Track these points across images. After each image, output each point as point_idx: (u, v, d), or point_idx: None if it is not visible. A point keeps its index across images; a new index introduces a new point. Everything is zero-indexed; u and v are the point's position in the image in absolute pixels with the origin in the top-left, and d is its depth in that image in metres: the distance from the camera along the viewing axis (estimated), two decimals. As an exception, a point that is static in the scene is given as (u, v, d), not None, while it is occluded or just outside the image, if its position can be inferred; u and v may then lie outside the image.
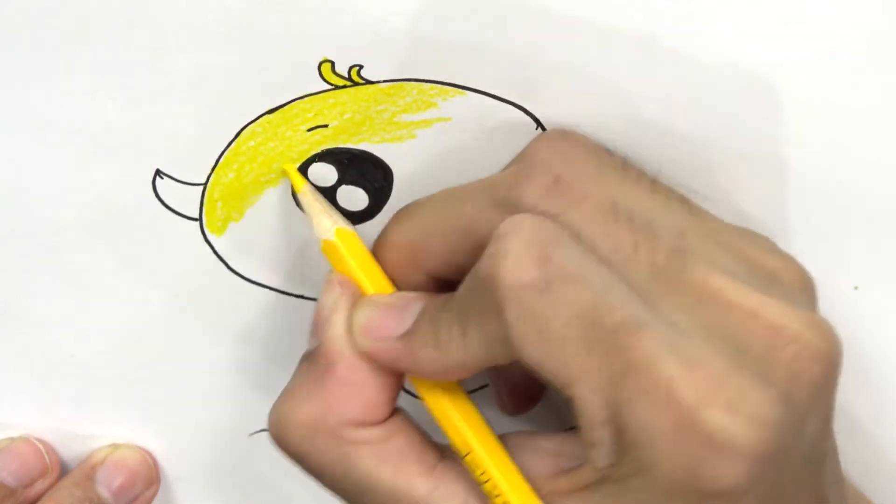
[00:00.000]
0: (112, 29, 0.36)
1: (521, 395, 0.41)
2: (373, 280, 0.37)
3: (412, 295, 0.36)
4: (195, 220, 0.39)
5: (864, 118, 0.38)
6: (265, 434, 0.43)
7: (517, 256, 0.32)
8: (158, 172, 0.38)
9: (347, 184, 0.39)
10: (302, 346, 0.41)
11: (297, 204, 0.39)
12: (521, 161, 0.36)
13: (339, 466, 0.35)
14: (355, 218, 0.39)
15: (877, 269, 0.40)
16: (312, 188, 0.38)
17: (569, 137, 0.36)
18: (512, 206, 0.34)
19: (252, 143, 0.38)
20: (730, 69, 0.37)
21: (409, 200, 0.39)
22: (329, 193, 0.39)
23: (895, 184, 0.39)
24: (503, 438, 0.35)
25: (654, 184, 0.36)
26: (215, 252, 0.40)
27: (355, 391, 0.35)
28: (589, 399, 0.32)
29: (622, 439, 0.31)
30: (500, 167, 0.38)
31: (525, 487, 0.34)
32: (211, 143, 0.38)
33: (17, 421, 0.42)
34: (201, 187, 0.39)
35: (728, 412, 0.31)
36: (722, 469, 0.31)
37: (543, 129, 0.38)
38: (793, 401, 0.32)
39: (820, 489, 0.34)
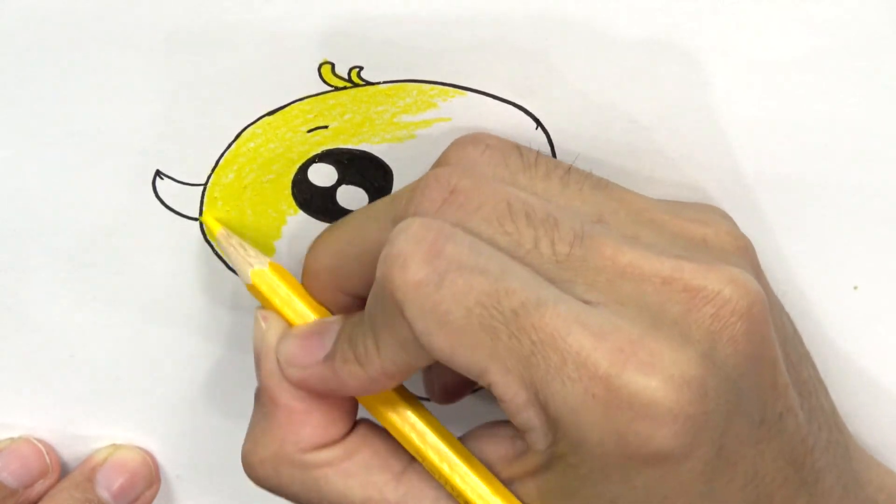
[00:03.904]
0: (112, 30, 0.36)
1: (451, 384, 0.41)
2: (297, 311, 0.37)
3: (331, 319, 0.36)
4: (195, 220, 0.39)
5: (863, 118, 0.38)
6: (265, 434, 0.43)
7: (407, 255, 0.32)
8: (158, 173, 0.38)
9: (347, 184, 0.39)
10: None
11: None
12: (426, 174, 0.36)
13: (312, 492, 0.36)
14: (355, 218, 0.39)
15: (876, 270, 0.40)
16: (228, 233, 0.39)
17: (478, 142, 0.36)
18: None
19: (252, 144, 0.38)
20: (729, 69, 0.37)
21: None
22: (329, 193, 0.39)
23: (894, 184, 0.39)
24: (466, 433, 0.36)
25: (565, 176, 0.36)
26: (215, 252, 0.40)
27: (303, 417, 0.36)
28: (504, 383, 0.32)
29: (549, 418, 0.32)
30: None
31: (481, 485, 0.34)
32: (211, 145, 0.38)
33: (18, 421, 0.42)
34: (201, 188, 0.39)
35: (644, 374, 0.31)
36: (648, 431, 0.31)
37: (544, 129, 0.38)
38: (716, 359, 0.32)
39: (790, 451, 0.34)
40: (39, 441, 0.42)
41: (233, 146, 0.38)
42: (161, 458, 0.43)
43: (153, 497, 0.43)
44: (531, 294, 0.32)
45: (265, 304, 0.38)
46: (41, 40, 0.36)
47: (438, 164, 0.37)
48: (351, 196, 0.39)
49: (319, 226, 0.39)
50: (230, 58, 0.37)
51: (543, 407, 0.32)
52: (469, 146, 0.36)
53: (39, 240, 0.39)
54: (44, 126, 0.38)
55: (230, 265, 0.39)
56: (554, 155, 0.39)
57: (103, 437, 0.43)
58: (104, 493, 0.42)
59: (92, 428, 0.43)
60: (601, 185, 0.36)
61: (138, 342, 0.41)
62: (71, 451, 0.43)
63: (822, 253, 0.40)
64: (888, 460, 0.42)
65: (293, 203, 0.39)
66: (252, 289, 0.38)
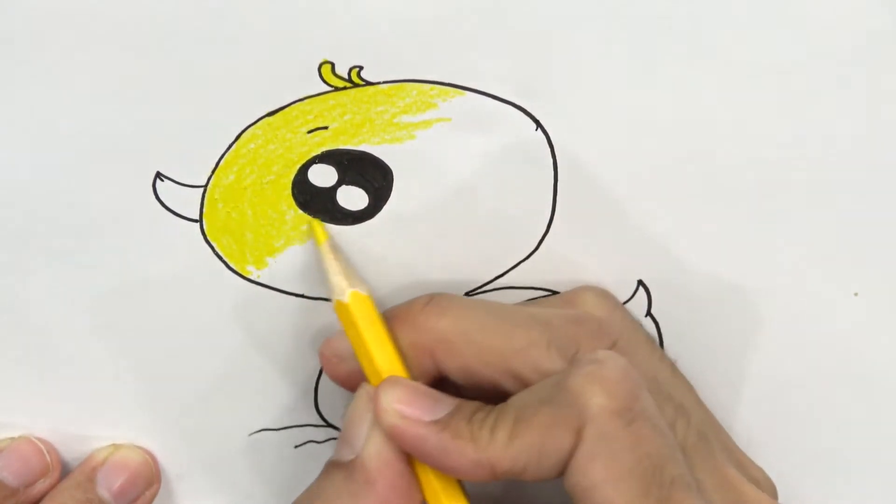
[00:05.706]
0: (111, 31, 0.36)
1: None
2: (384, 354, 0.37)
3: (438, 392, 0.36)
4: (195, 221, 0.39)
5: (864, 124, 0.38)
6: (264, 434, 0.43)
7: (615, 384, 0.34)
8: (159, 175, 0.38)
9: (348, 184, 0.39)
10: (301, 347, 0.41)
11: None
12: (576, 308, 0.38)
13: None
14: (355, 217, 0.39)
15: (876, 276, 0.40)
16: (334, 245, 0.39)
17: (611, 298, 0.40)
18: (570, 357, 0.36)
19: (252, 145, 0.38)
20: (729, 72, 0.37)
21: (408, 201, 0.39)
22: (329, 194, 0.39)
23: (894, 190, 0.39)
24: None
25: (673, 367, 0.40)
26: (216, 253, 0.40)
27: None
28: None
29: None
30: (499, 167, 0.39)
31: None
32: (211, 146, 0.38)
33: (18, 421, 0.42)
34: (202, 189, 0.39)
35: None
36: None
37: (543, 129, 0.38)
38: None
39: None
40: (40, 440, 0.42)
41: (233, 147, 0.38)
42: (161, 458, 0.43)
43: (153, 497, 0.43)
44: (684, 473, 0.34)
45: (348, 331, 0.37)
46: (41, 40, 0.36)
47: (578, 304, 0.39)
48: (351, 196, 0.39)
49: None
50: (230, 58, 0.37)
51: None
52: (608, 300, 0.39)
53: (39, 240, 0.39)
54: (44, 126, 0.38)
55: (327, 277, 0.39)
56: (554, 156, 0.39)
57: (103, 437, 0.43)
58: (105, 493, 0.42)
59: (92, 428, 0.43)
60: (692, 387, 0.40)
61: (138, 342, 0.41)
62: (71, 450, 0.43)
63: (823, 259, 0.40)
64: (889, 467, 0.42)
65: (293, 204, 0.39)
66: (342, 309, 0.38)
